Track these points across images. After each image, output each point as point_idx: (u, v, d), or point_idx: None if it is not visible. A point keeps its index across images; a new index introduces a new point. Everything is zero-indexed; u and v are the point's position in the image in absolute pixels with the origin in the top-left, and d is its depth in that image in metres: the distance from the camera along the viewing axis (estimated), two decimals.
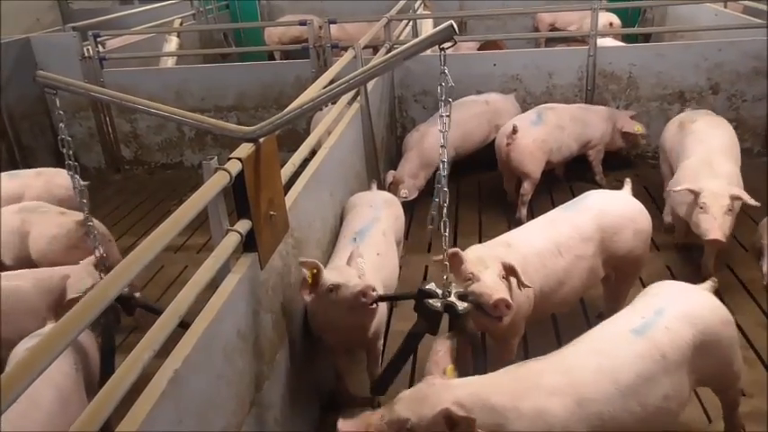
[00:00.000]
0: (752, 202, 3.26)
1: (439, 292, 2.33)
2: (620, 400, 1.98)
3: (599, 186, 4.65)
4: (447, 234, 2.31)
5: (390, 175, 4.56)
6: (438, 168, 2.33)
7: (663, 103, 5.13)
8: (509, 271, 2.46)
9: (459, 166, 4.90)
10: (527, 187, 4.46)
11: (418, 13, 6.79)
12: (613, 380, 2.00)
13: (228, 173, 1.98)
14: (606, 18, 6.40)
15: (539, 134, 4.46)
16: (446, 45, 2.12)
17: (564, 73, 5.21)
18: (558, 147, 4.60)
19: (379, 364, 2.87)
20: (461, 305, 2.28)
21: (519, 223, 4.28)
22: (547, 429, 1.93)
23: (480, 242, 3.05)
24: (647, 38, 6.94)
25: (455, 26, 2.07)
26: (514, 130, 4.36)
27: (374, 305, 2.37)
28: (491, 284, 2.34)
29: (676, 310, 2.18)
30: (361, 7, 7.55)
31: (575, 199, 3.08)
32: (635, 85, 5.14)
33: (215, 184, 1.93)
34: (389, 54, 2.19)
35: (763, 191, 4.18)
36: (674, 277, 3.70)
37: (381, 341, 2.87)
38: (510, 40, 6.77)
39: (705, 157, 3.67)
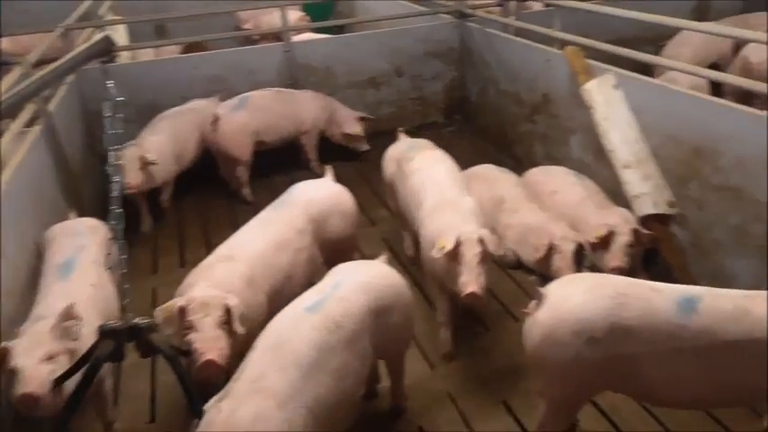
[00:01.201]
0: (497, 251, 2.88)
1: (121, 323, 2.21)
2: (310, 381, 2.05)
3: (317, 175, 4.88)
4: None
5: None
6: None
7: (358, 89, 5.55)
8: (229, 313, 2.43)
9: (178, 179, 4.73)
10: (241, 170, 4.79)
11: (106, 19, 6.28)
12: (297, 365, 2.05)
13: None
14: (294, 15, 6.67)
15: (241, 118, 4.74)
16: (116, 54, 1.97)
17: (265, 70, 5.33)
18: (267, 128, 4.87)
19: (109, 402, 2.65)
20: (143, 320, 2.21)
21: (246, 202, 4.76)
22: None
23: (208, 251, 3.00)
24: (341, 30, 7.43)
25: (112, 38, 1.95)
26: (216, 118, 4.63)
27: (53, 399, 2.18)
28: (206, 339, 2.32)
29: (351, 282, 2.38)
30: (42, 16, 6.68)
31: (282, 195, 3.18)
32: (332, 74, 5.47)
33: None
34: (41, 72, 1.99)
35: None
36: (390, 248, 4.09)
37: (107, 381, 2.63)
38: (212, 40, 6.64)
39: (444, 200, 3.20)
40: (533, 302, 2.28)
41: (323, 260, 3.11)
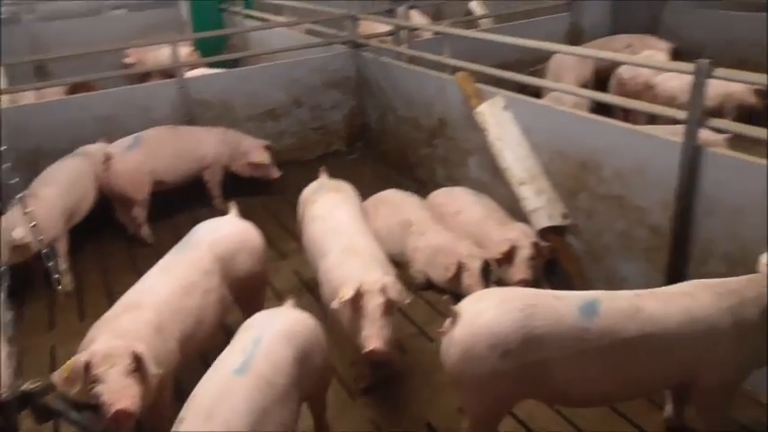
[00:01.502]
0: (402, 299, 2.75)
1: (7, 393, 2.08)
2: None
3: (221, 212, 4.77)
4: None
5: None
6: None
7: (257, 122, 5.52)
8: (138, 361, 2.31)
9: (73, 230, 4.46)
10: (137, 210, 4.64)
11: None
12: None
13: None
14: (183, 50, 6.53)
15: (135, 157, 4.60)
16: None
17: (159, 107, 5.18)
18: (164, 166, 4.73)
19: None
20: (33, 385, 2.08)
21: (146, 244, 4.62)
22: None
23: (110, 302, 2.85)
24: (236, 63, 7.35)
25: None
26: (107, 158, 4.50)
27: None
28: (114, 390, 2.21)
29: (272, 334, 2.30)
30: None
31: (186, 236, 3.08)
32: (229, 108, 5.41)
33: None
34: None
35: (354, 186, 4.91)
36: (303, 281, 4.07)
37: None
38: (99, 80, 6.35)
39: (345, 248, 3.05)
40: (448, 321, 2.34)
41: (233, 299, 3.04)
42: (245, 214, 3.34)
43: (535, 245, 3.59)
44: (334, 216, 3.37)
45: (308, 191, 3.75)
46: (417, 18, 7.74)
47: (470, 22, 7.12)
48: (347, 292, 2.64)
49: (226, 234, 3.05)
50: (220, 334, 3.03)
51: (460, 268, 3.66)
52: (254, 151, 5.10)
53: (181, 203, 5.02)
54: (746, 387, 2.82)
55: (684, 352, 2.25)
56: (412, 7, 5.88)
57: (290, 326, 2.38)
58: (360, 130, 5.96)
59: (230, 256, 2.97)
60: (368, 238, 3.23)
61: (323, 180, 3.83)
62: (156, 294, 2.70)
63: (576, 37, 6.54)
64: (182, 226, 4.63)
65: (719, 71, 2.74)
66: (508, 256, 3.60)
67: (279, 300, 3.88)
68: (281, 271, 4.19)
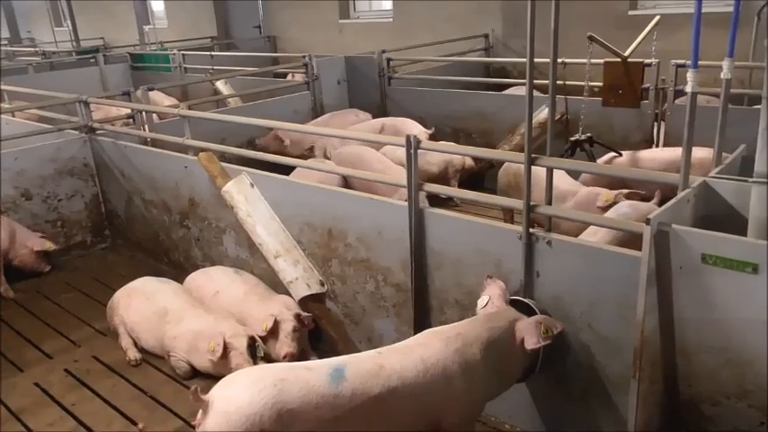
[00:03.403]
0: None
1: None
2: None
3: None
4: None
5: None
6: None
7: None
8: None
9: None
10: None
11: None
12: None
13: None
14: None
15: None
16: None
17: None
18: None
19: None
20: None
21: None
22: None
23: None
24: None
25: None
26: None
27: None
28: None
29: None
30: None
31: None
32: None
33: None
34: None
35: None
36: (45, 394, 3.59)
37: None
38: None
39: None
40: (200, 412, 2.25)
41: None
42: None
43: (297, 316, 3.65)
44: None
45: None
46: (162, 99, 7.63)
47: (220, 101, 7.21)
48: None
49: None
50: None
51: (227, 349, 3.55)
52: (35, 239, 4.90)
53: None
54: (491, 417, 3.19)
55: (426, 398, 2.44)
56: (150, 89, 5.75)
57: None
58: (106, 218, 5.57)
59: None
60: None
61: None
62: None
63: (319, 113, 6.98)
64: None
65: (425, 143, 3.13)
66: (273, 332, 3.60)
67: (17, 420, 3.39)
68: (18, 386, 3.66)
